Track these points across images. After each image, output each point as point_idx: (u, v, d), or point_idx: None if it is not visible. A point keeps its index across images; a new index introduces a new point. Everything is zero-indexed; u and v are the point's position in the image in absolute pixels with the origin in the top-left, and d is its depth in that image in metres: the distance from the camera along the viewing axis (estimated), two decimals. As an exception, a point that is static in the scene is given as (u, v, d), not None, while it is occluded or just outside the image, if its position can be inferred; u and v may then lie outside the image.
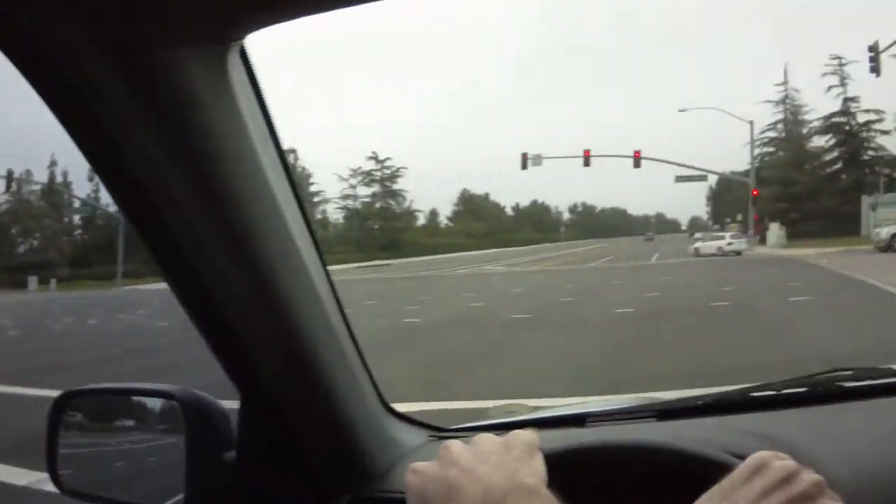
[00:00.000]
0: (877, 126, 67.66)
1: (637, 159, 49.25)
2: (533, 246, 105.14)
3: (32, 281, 60.83)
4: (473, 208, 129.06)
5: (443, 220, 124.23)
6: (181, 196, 1.13)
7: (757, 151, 69.30)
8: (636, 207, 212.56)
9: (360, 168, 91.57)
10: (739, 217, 66.79)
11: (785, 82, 75.80)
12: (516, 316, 18.48)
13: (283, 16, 0.97)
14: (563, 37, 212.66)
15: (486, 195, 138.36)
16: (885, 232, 37.29)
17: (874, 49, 29.01)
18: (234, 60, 1.09)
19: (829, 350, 10.30)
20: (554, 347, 13.36)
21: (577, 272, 38.35)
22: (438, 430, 1.87)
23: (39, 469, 1.82)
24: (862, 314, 14.92)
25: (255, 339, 1.35)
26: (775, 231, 54.08)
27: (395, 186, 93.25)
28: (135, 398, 1.70)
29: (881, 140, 67.43)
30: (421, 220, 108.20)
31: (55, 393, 1.64)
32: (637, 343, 13.33)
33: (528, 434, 1.04)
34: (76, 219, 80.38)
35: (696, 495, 0.95)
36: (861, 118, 68.45)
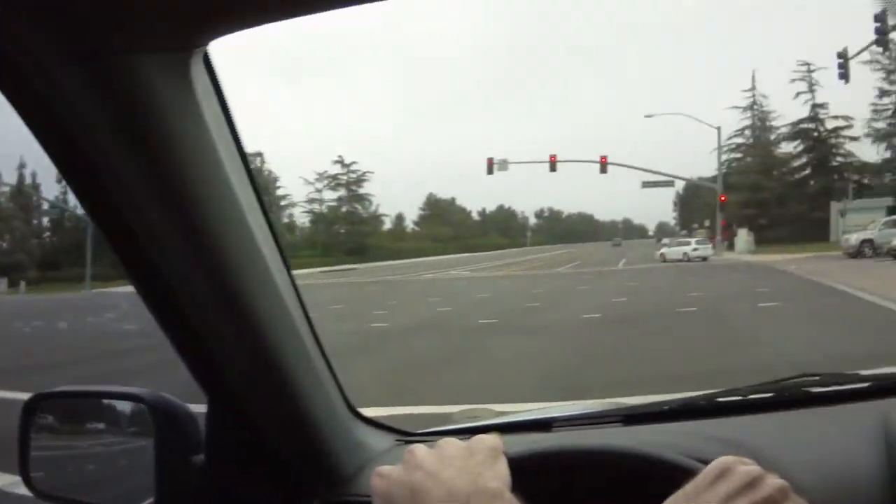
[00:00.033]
0: (846, 132, 67.99)
1: (603, 165, 49.26)
2: (499, 251, 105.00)
3: (2, 283, 60.09)
4: (440, 213, 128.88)
5: (409, 224, 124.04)
6: (145, 200, 1.14)
7: (724, 157, 69.54)
8: (603, 213, 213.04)
9: (326, 172, 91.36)
10: (707, 223, 67.00)
11: (752, 88, 76.28)
12: (483, 321, 18.41)
13: (246, 23, 0.98)
14: (529, 42, 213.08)
15: (453, 200, 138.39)
16: (854, 238, 37.43)
17: (843, 56, 29.13)
18: (197, 67, 1.10)
19: (798, 355, 10.39)
20: (521, 353, 13.35)
21: (543, 277, 38.34)
22: (405, 435, 1.87)
23: (11, 472, 1.81)
24: (831, 320, 15.01)
25: (219, 341, 1.35)
26: (743, 237, 54.28)
27: (362, 190, 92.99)
28: (105, 401, 1.70)
29: (850, 146, 67.81)
30: (387, 225, 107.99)
31: (25, 395, 1.64)
32: (604, 348, 13.32)
33: (491, 438, 1.06)
34: (45, 221, 79.58)
35: (662, 500, 0.97)
36: (830, 124, 68.78)
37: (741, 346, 12.44)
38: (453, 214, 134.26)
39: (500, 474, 1.01)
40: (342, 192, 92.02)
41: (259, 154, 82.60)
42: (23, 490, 1.60)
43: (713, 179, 60.21)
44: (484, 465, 1.01)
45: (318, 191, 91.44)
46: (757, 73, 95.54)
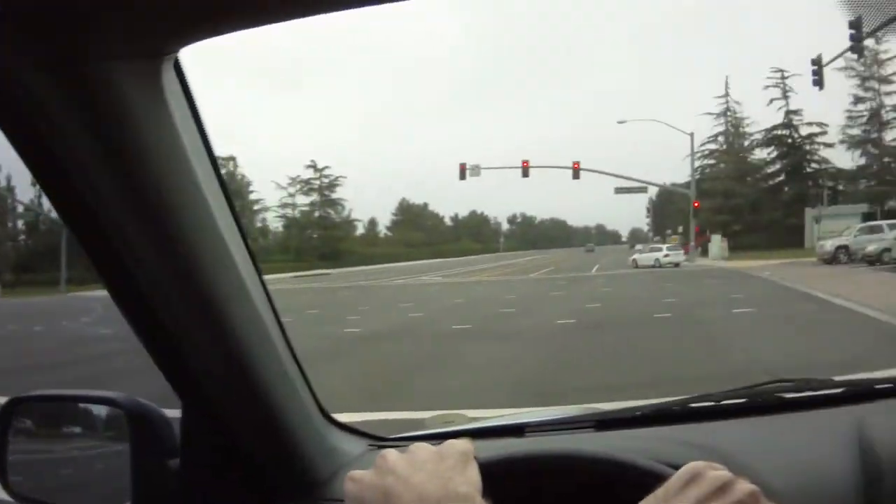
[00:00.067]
0: (820, 139, 68.08)
1: (576, 170, 49.25)
2: (472, 256, 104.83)
3: (-23, 286, 59.44)
4: (412, 218, 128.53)
5: (382, 229, 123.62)
6: (117, 206, 1.15)
7: (698, 163, 69.57)
8: (576, 219, 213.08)
9: (298, 176, 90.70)
10: (681, 229, 67.01)
11: (726, 94, 76.19)
12: (456, 327, 18.41)
13: (216, 30, 1.00)
14: (500, 48, 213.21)
15: (425, 205, 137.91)
16: (829, 244, 37.50)
17: (817, 62, 29.20)
18: (168, 73, 1.11)
19: (773, 361, 10.38)
20: (495, 359, 13.33)
21: (517, 283, 38.30)
22: (378, 440, 1.88)
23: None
24: (806, 326, 15.08)
25: (192, 347, 1.36)
26: (717, 243, 54.35)
27: (334, 195, 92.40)
28: (81, 405, 1.71)
29: (825, 153, 67.85)
30: (360, 230, 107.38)
31: (1, 399, 1.64)
32: (579, 354, 13.32)
33: (462, 443, 1.07)
34: (20, 224, 78.69)
35: None
36: (804, 131, 68.86)
37: (716, 352, 12.47)
38: (426, 220, 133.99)
39: (470, 479, 1.02)
40: (315, 196, 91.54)
41: (232, 158, 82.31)
42: (1, 494, 1.60)
43: (686, 185, 60.20)
44: (454, 469, 1.02)
45: (291, 195, 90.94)
46: (730, 79, 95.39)
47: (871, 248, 32.90)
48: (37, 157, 1.12)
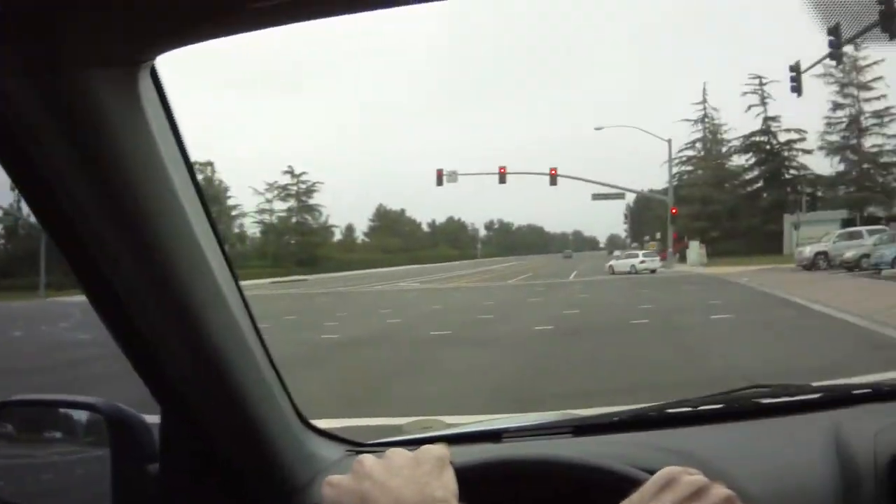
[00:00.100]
0: (799, 145, 68.36)
1: (553, 177, 49.28)
2: (450, 263, 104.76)
3: (-45, 290, 58.80)
4: (389, 224, 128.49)
5: (359, 235, 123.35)
6: (94, 212, 1.15)
7: (676, 170, 69.83)
8: (553, 225, 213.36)
9: (276, 182, 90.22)
10: (659, 235, 67.18)
11: (704, 101, 76.32)
12: (434, 333, 18.35)
13: (192, 38, 1.00)
14: (477, 55, 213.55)
15: (402, 211, 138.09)
16: (808, 250, 37.74)
17: (796, 69, 29.16)
18: (144, 81, 1.11)
19: (751, 367, 10.45)
20: (473, 365, 13.31)
21: (495, 289, 38.25)
22: (356, 445, 1.88)
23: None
24: (785, 331, 15.17)
25: (169, 352, 1.36)
26: (695, 249, 54.51)
27: (312, 201, 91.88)
28: (61, 410, 1.70)
29: (803, 159, 68.22)
30: (337, 236, 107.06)
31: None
32: (557, 360, 13.32)
33: (438, 449, 1.08)
34: (-1, 228, 77.95)
35: None
36: (782, 137, 69.11)
37: (694, 358, 12.51)
38: (403, 226, 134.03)
39: (446, 484, 1.03)
40: (292, 202, 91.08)
41: (210, 164, 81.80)
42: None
43: (664, 192, 60.37)
44: (431, 474, 1.03)
45: (269, 201, 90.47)
46: (708, 85, 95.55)
47: (850, 254, 33.05)
48: (14, 163, 1.12)
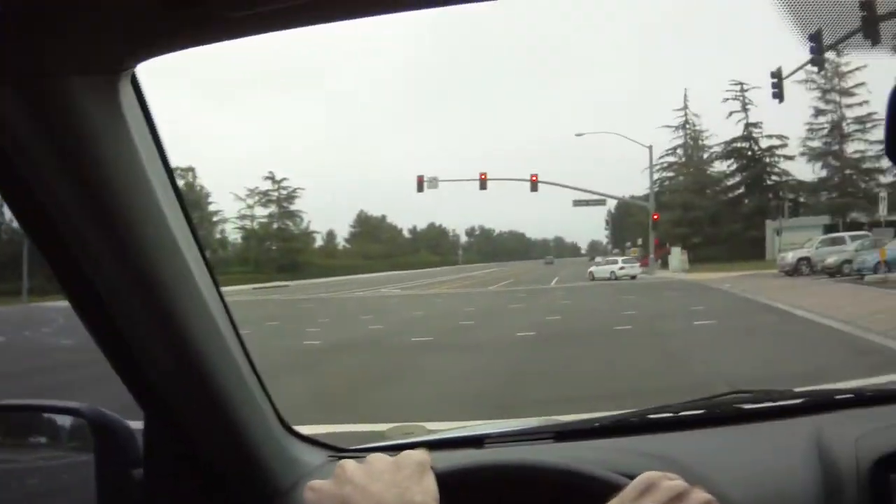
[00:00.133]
0: (781, 151, 68.24)
1: (534, 183, 49.24)
2: (431, 269, 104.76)
3: (-63, 295, 58.35)
4: (370, 230, 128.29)
5: (340, 241, 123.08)
6: (76, 218, 1.15)
7: (657, 176, 69.97)
8: (535, 231, 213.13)
9: (257, 188, 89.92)
10: (640, 241, 67.08)
11: (685, 107, 76.15)
12: (417, 339, 18.34)
13: (171, 46, 1.01)
14: (458, 61, 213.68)
15: (383, 217, 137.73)
16: (790, 256, 37.62)
17: (777, 75, 29.12)
18: (125, 88, 1.12)
19: (734, 374, 10.44)
20: (455, 371, 13.30)
21: (476, 295, 38.22)
22: (338, 451, 1.89)
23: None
24: (768, 337, 15.17)
25: (151, 357, 1.37)
26: (677, 255, 54.39)
27: (293, 207, 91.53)
28: (45, 415, 1.70)
29: (785, 165, 68.10)
30: (318, 242, 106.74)
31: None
32: (539, 366, 13.32)
33: (418, 454, 1.09)
34: (-19, 233, 77.39)
35: None
36: (764, 143, 68.96)
37: (676, 364, 12.51)
38: (384, 232, 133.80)
39: (427, 489, 1.03)
40: (273, 208, 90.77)
41: (191, 169, 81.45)
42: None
43: (645, 198, 60.26)
44: (411, 479, 1.04)
45: (250, 207, 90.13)
46: (689, 92, 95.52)
47: (832, 259, 33.09)
48: None
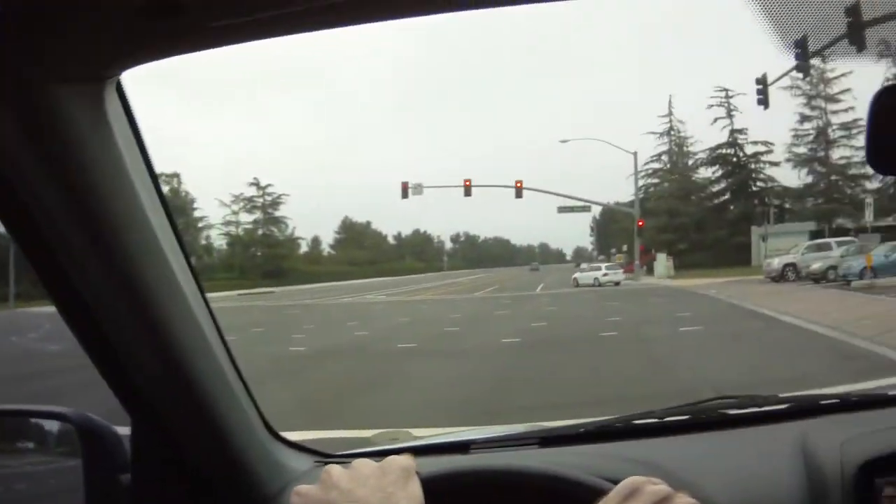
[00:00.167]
0: (766, 157, 68.37)
1: (519, 189, 49.26)
2: (416, 275, 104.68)
3: (-76, 301, 57.97)
4: (355, 236, 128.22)
5: (325, 248, 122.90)
6: (62, 224, 1.16)
7: (642, 182, 69.94)
8: (520, 237, 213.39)
9: (241, 194, 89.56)
10: (625, 247, 67.09)
11: (669, 114, 76.39)
12: (402, 345, 18.28)
13: (156, 54, 1.03)
14: (443, 67, 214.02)
15: (368, 223, 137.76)
16: (776, 262, 37.82)
17: (762, 81, 29.09)
18: (110, 96, 1.13)
19: (720, 380, 10.47)
20: (441, 377, 13.28)
21: (462, 302, 38.15)
22: (324, 456, 1.89)
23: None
24: (754, 343, 15.22)
25: (137, 363, 1.37)
26: (662, 261, 54.41)
27: (278, 213, 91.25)
28: (32, 420, 1.70)
29: (771, 171, 68.21)
30: (303, 248, 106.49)
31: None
32: (525, 373, 13.32)
33: (403, 459, 1.10)
34: (-34, 239, 76.79)
35: None
36: (749, 149, 69.06)
37: (662, 370, 12.52)
38: (369, 238, 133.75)
39: (412, 494, 1.04)
40: (258, 214, 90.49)
41: (176, 175, 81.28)
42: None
43: (630, 204, 60.28)
44: (396, 484, 1.04)
45: (235, 213, 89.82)
46: (674, 98, 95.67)
47: (818, 265, 33.13)
48: None
